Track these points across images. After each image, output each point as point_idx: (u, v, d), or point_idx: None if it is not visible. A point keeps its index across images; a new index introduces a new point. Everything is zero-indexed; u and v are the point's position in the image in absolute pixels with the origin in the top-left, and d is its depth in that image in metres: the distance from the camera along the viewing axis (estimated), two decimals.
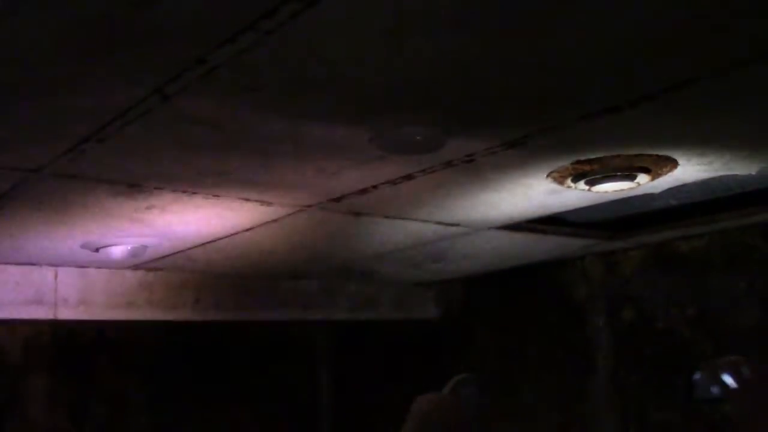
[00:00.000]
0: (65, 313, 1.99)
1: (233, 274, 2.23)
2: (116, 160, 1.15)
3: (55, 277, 1.99)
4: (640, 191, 1.44)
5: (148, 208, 1.44)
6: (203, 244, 1.77)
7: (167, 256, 1.90)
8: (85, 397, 2.59)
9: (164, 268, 2.10)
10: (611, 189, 1.36)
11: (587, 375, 2.27)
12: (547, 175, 1.33)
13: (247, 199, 1.42)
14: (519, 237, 1.82)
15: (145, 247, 1.71)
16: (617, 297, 2.18)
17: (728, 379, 1.51)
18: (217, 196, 1.40)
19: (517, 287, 2.45)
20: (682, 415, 1.99)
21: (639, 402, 2.14)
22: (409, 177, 1.32)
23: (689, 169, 1.36)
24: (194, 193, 1.37)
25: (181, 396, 2.76)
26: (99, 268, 2.05)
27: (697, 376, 1.54)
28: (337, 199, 1.45)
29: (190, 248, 1.82)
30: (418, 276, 2.42)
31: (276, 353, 3.00)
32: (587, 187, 1.34)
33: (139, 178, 1.25)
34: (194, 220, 1.57)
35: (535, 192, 1.44)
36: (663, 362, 2.07)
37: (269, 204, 1.46)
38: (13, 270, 1.94)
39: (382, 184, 1.36)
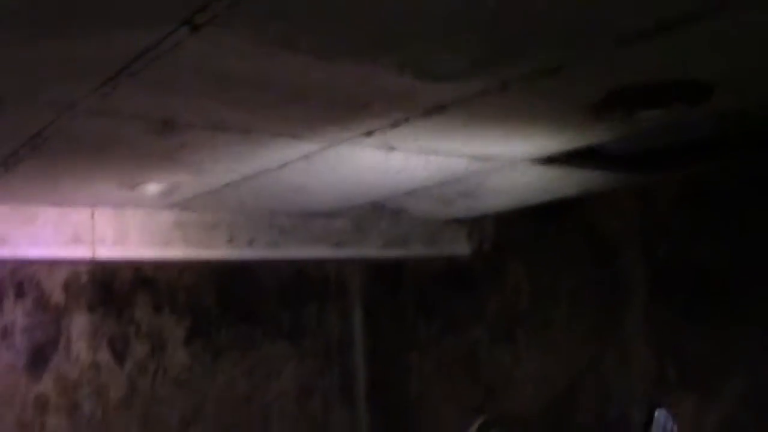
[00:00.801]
0: (103, 252, 2.02)
1: (266, 212, 2.25)
2: (147, 95, 1.15)
3: (92, 217, 2.02)
4: (676, 121, 1.41)
5: (181, 145, 1.45)
6: (235, 182, 1.78)
7: (200, 195, 1.92)
8: (125, 334, 2.65)
9: (198, 207, 2.12)
10: (647, 118, 1.33)
11: (621, 310, 2.27)
12: (582, 105, 1.31)
13: (278, 134, 1.42)
14: (552, 171, 1.80)
15: (178, 186, 1.73)
16: (652, 231, 2.16)
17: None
18: (248, 131, 1.40)
19: (550, 223, 2.43)
20: (718, 347, 1.98)
21: (674, 336, 2.14)
22: (441, 108, 1.30)
23: (726, 99, 1.33)
24: (225, 129, 1.38)
25: (217, 333, 2.81)
26: (134, 208, 2.08)
27: (657, 413, 1.55)
28: (368, 134, 1.44)
29: (222, 187, 1.83)
30: (449, 213, 2.42)
31: (309, 291, 3.04)
32: (623, 117, 1.32)
33: (170, 114, 1.25)
34: (226, 158, 1.57)
35: (570, 122, 1.42)
36: (698, 296, 2.06)
37: (300, 139, 1.46)
38: (51, 211, 1.97)
39: (414, 116, 1.34)
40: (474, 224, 2.66)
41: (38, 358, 2.49)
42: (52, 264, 2.50)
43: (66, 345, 2.54)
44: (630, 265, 2.21)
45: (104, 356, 2.61)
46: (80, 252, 1.98)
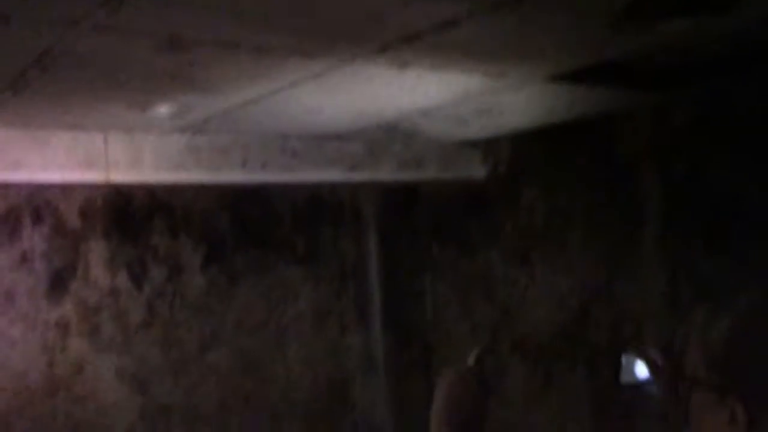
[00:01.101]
0: (117, 176, 2.03)
1: (279, 136, 2.23)
2: (153, 9, 1.13)
3: (105, 141, 2.02)
4: (698, 34, 1.37)
5: (190, 64, 1.43)
6: (247, 103, 1.76)
7: (212, 117, 1.90)
8: (142, 259, 2.68)
9: (211, 130, 2.11)
10: (669, 30, 1.29)
11: (636, 230, 2.26)
12: (602, 16, 1.27)
13: (289, 52, 1.39)
14: (568, 89, 1.77)
15: (189, 107, 1.71)
16: (668, 151, 2.14)
17: (644, 367, 1.50)
18: (258, 49, 1.37)
19: (565, 144, 2.41)
20: (731, 266, 1.98)
21: (689, 255, 2.13)
22: (454, 23, 1.27)
23: (752, 8, 1.28)
24: (236, 46, 1.35)
25: (232, 257, 2.84)
26: (147, 132, 2.07)
27: (623, 360, 1.53)
28: (381, 51, 1.41)
29: (234, 108, 1.81)
30: (464, 134, 2.39)
31: (324, 215, 3.05)
32: (644, 29, 1.28)
33: (177, 29, 1.23)
34: (237, 77, 1.55)
35: (588, 36, 1.39)
36: (715, 214, 2.04)
37: (311, 57, 1.43)
38: (64, 135, 1.97)
39: (427, 31, 1.31)
40: (489, 146, 2.63)
41: (58, 283, 2.53)
42: (67, 189, 2.51)
43: (84, 270, 2.58)
44: (645, 186, 2.19)
45: (122, 281, 2.65)
46: (94, 176, 1.98)
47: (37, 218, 2.51)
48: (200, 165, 2.16)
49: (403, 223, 3.06)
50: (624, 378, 1.51)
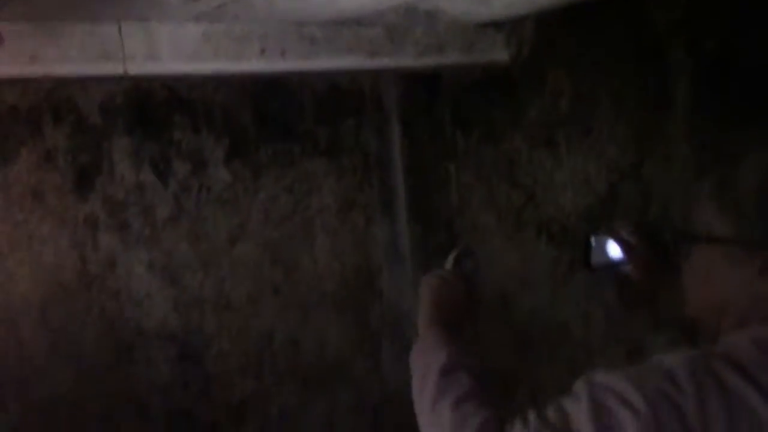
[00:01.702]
0: (134, 68, 1.99)
1: (297, 22, 2.18)
2: None
3: (119, 31, 1.98)
4: None
5: None
6: None
7: (227, 2, 1.85)
8: (165, 155, 2.68)
9: (227, 18, 2.06)
10: None
11: (664, 110, 2.20)
12: None
13: None
14: None
15: None
16: (701, 28, 2.05)
17: (617, 246, 1.45)
18: None
19: (592, 23, 2.32)
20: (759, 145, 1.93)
21: (716, 137, 2.08)
22: None
23: None
24: None
25: (255, 151, 2.83)
26: (161, 22, 2.02)
27: (593, 241, 1.47)
28: None
29: None
30: (487, 14, 2.31)
31: (345, 106, 3.01)
32: None
33: None
34: None
35: None
36: (747, 94, 1.98)
37: None
38: (77, 27, 1.93)
39: None
40: (513, 28, 2.55)
41: (83, 181, 2.55)
42: (86, 85, 2.49)
43: (109, 167, 2.59)
44: (675, 64, 2.12)
45: (147, 177, 2.66)
46: (111, 68, 1.95)
47: (58, 116, 2.50)
48: (218, 55, 2.11)
49: (425, 112, 3.02)
50: (594, 260, 1.49)
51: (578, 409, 0.94)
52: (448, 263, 1.56)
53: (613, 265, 1.51)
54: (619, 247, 1.48)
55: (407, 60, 2.45)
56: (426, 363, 1.21)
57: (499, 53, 2.60)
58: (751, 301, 1.02)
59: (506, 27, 2.56)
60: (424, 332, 1.33)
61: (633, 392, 0.91)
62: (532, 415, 0.98)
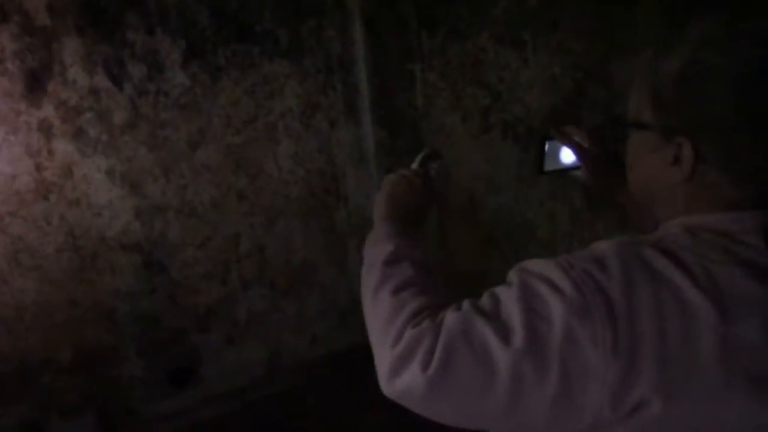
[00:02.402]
0: None
1: None
2: None
3: None
4: None
5: None
6: None
7: None
8: (119, 57, 2.57)
9: None
10: None
11: (631, 5, 2.16)
12: None
13: None
14: None
15: None
16: None
17: (569, 150, 1.44)
18: None
19: None
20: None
21: (684, 21, 2.04)
22: None
23: None
24: None
25: (214, 53, 2.73)
26: None
27: (546, 146, 1.46)
28: None
29: None
30: None
31: (306, 5, 2.90)
32: None
33: None
34: None
35: None
36: None
37: None
38: None
39: None
40: None
41: (35, 84, 2.44)
42: None
43: (61, 70, 2.48)
44: None
45: (101, 81, 2.56)
46: None
47: (4, 17, 2.37)
48: None
49: (389, 11, 2.93)
50: (548, 165, 1.49)
51: (508, 296, 0.94)
52: (415, 164, 1.55)
53: (565, 169, 1.51)
54: (572, 152, 1.47)
55: None
56: (374, 253, 1.20)
57: None
58: (675, 191, 1.02)
59: None
60: (377, 224, 1.31)
61: (562, 277, 0.91)
62: (466, 303, 0.98)
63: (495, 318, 0.92)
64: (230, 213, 2.86)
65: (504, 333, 0.90)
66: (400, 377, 0.93)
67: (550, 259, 0.96)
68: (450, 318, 0.95)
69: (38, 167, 2.48)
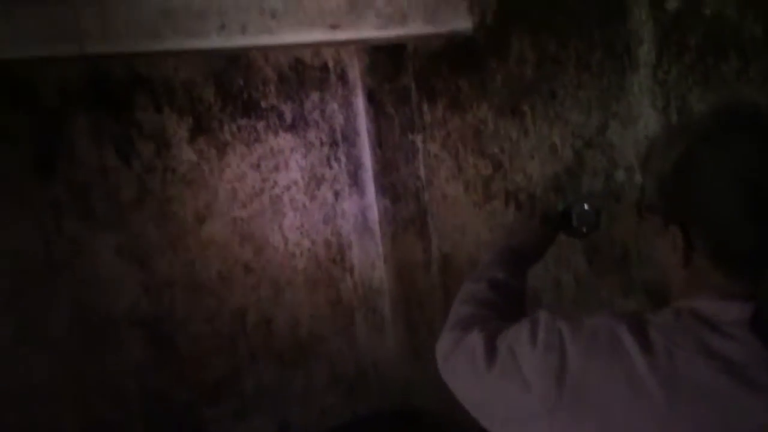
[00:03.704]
0: (91, 48, 1.95)
1: None
2: None
3: (74, 11, 1.93)
4: None
5: None
6: None
7: None
8: (128, 136, 2.63)
9: None
10: None
11: (627, 73, 2.21)
12: None
13: None
14: None
15: None
16: None
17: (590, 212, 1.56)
18: None
19: None
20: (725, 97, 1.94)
21: (682, 95, 2.09)
22: None
23: None
24: None
25: (220, 128, 2.80)
26: None
27: (575, 209, 1.57)
28: None
29: None
30: None
31: (309, 80, 2.98)
32: None
33: None
34: None
35: None
36: (709, 50, 1.99)
37: None
38: (30, 6, 1.87)
39: None
40: None
41: (45, 163, 2.50)
42: (43, 66, 2.43)
43: (71, 149, 2.54)
44: (638, 24, 2.12)
45: (110, 159, 2.61)
46: (67, 48, 1.91)
47: (15, 98, 2.44)
48: (176, 31, 2.07)
49: (390, 84, 3.00)
50: (570, 227, 1.59)
51: (509, 332, 1.14)
52: (559, 206, 1.72)
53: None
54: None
55: (370, 31, 2.43)
56: (474, 271, 1.46)
57: (463, 22, 2.58)
58: (678, 275, 1.08)
59: None
60: (491, 250, 1.55)
61: (542, 330, 1.07)
62: (486, 330, 1.20)
63: (492, 348, 1.14)
64: (237, 286, 2.88)
65: (492, 357, 1.13)
66: (437, 356, 1.28)
67: (553, 313, 1.11)
68: (471, 335, 1.20)
69: (48, 244, 2.51)
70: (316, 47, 2.90)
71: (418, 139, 2.95)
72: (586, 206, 1.67)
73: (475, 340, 1.19)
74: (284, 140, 2.94)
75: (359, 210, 3.16)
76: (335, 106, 3.06)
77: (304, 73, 2.96)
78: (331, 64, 3.03)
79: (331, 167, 3.07)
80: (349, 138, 3.10)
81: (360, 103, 3.11)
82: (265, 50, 2.76)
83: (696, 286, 1.04)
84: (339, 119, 3.07)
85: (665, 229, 1.06)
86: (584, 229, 1.69)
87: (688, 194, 1.02)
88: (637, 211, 1.49)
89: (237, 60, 2.79)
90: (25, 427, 2.48)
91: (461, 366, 1.20)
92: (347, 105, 3.09)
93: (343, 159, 3.09)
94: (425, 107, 2.88)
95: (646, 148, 2.00)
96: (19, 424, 2.47)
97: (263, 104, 2.88)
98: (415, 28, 2.51)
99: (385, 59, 2.99)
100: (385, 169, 3.11)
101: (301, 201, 3.01)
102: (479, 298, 1.36)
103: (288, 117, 2.94)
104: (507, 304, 1.37)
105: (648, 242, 1.17)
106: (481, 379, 1.13)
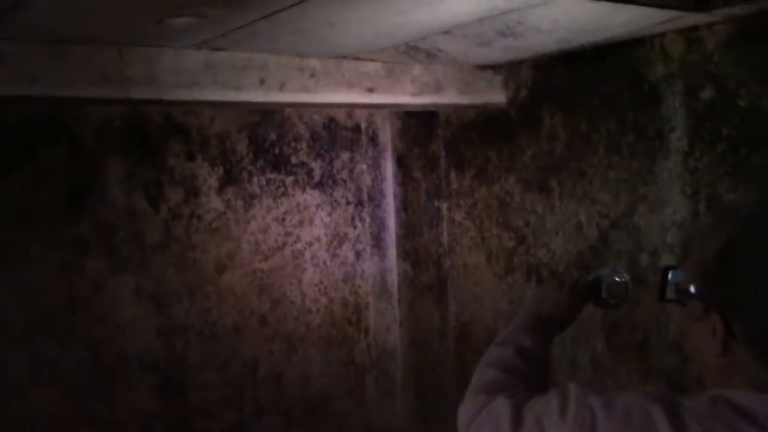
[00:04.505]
0: (133, 93, 2.00)
1: (296, 53, 2.19)
2: None
3: (120, 56, 1.98)
4: None
5: None
6: (265, 17, 1.72)
7: (231, 32, 1.86)
8: (158, 181, 2.67)
9: (228, 47, 2.07)
10: None
11: (658, 158, 2.22)
12: None
13: None
14: (597, 6, 1.71)
15: (204, 18, 1.67)
16: (697, 75, 2.08)
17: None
18: None
19: (589, 69, 2.35)
20: (759, 193, 1.95)
21: (711, 184, 2.10)
22: None
23: None
24: None
25: (249, 180, 2.83)
26: (163, 47, 2.03)
27: (670, 276, 1.55)
28: None
29: (252, 23, 1.77)
30: (486, 56, 2.34)
31: (340, 140, 3.02)
32: None
33: None
34: None
35: None
36: (741, 141, 2.00)
37: None
38: (78, 49, 1.93)
39: None
40: (511, 70, 2.58)
41: (75, 201, 2.53)
42: (84, 108, 2.49)
43: (101, 189, 2.58)
44: (672, 111, 2.15)
45: (139, 202, 2.65)
46: (111, 91, 1.96)
47: (54, 137, 2.50)
48: (217, 83, 2.12)
49: (420, 149, 3.03)
50: (669, 294, 1.54)
51: (537, 401, 1.16)
52: (590, 277, 1.69)
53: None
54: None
55: (404, 97, 2.48)
56: (499, 335, 1.49)
57: (497, 95, 2.62)
58: (714, 363, 1.07)
59: (504, 69, 2.59)
60: (518, 314, 1.57)
61: (572, 407, 1.07)
62: (514, 398, 1.20)
63: (518, 417, 1.15)
64: (251, 338, 2.87)
65: (518, 426, 1.14)
66: (458, 419, 1.30)
67: (583, 386, 1.11)
68: (497, 402, 1.22)
69: (69, 282, 2.53)
70: (351, 108, 2.95)
71: (444, 206, 2.96)
72: (616, 278, 1.66)
73: (501, 406, 1.19)
74: (311, 196, 2.97)
75: (379, 272, 3.16)
76: (364, 166, 3.09)
77: (336, 133, 3.00)
78: (363, 125, 3.07)
79: (354, 227, 3.08)
80: (375, 199, 3.12)
81: (388, 165, 3.14)
82: (300, 107, 2.81)
83: (732, 376, 1.03)
84: (366, 180, 3.10)
85: (704, 315, 1.06)
86: (613, 301, 1.67)
87: (731, 282, 1.02)
88: (659, 296, 1.49)
89: (272, 115, 2.84)
90: None
91: (485, 431, 1.21)
92: (376, 166, 3.12)
93: (367, 219, 3.11)
94: (453, 175, 2.91)
95: (689, 234, 2.00)
96: None
97: (293, 160, 2.92)
98: (449, 97, 2.55)
99: (417, 125, 3.03)
100: (408, 233, 3.12)
101: (323, 258, 3.01)
102: (506, 363, 1.37)
103: (317, 174, 2.97)
104: (532, 373, 1.37)
105: (678, 328, 1.16)
106: None
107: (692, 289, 1.09)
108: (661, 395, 1.05)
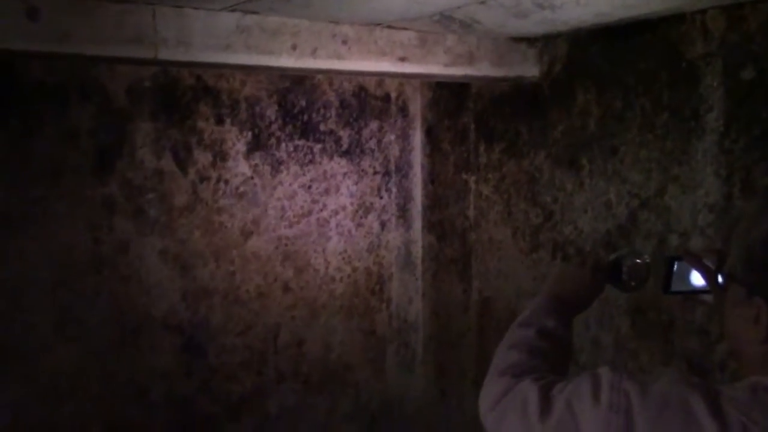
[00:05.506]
0: (165, 54, 1.99)
1: (329, 19, 2.17)
2: None
3: (153, 16, 1.97)
4: None
5: None
6: None
7: None
8: (187, 143, 2.67)
9: (261, 11, 2.05)
10: None
11: (693, 138, 2.18)
12: None
13: None
14: None
15: None
16: (738, 55, 2.03)
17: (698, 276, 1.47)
18: None
19: (626, 44, 2.30)
20: None
21: (747, 167, 2.06)
22: None
23: None
24: None
25: (277, 146, 2.82)
26: (196, 9, 2.02)
27: (674, 267, 1.49)
28: None
29: None
30: (521, 28, 2.30)
31: (370, 109, 3.00)
32: None
33: None
34: None
35: None
36: None
37: None
38: (111, 8, 1.92)
39: None
40: (546, 44, 2.54)
41: (104, 162, 2.54)
42: (115, 67, 2.49)
43: (130, 151, 2.58)
44: (709, 90, 2.10)
45: (167, 164, 2.65)
46: (142, 51, 1.95)
47: (84, 95, 2.50)
48: (249, 47, 2.11)
49: (450, 121, 3.00)
50: (674, 286, 1.49)
51: (566, 384, 1.14)
52: (611, 257, 1.65)
53: (694, 291, 1.53)
54: (702, 276, 1.50)
55: (437, 67, 2.44)
56: (520, 316, 1.45)
57: (530, 68, 2.58)
58: (754, 349, 1.06)
59: (539, 43, 2.55)
60: (538, 295, 1.53)
61: (606, 390, 1.05)
62: (542, 381, 1.19)
63: (547, 400, 1.13)
64: (273, 304, 2.88)
65: (547, 410, 1.12)
66: (481, 401, 1.28)
67: (616, 370, 1.10)
68: (523, 384, 1.20)
69: (96, 241, 2.55)
70: (381, 77, 2.92)
71: (471, 179, 2.94)
72: (638, 260, 1.63)
73: (528, 390, 1.18)
74: (338, 165, 2.96)
75: (403, 243, 3.15)
76: (392, 137, 3.07)
77: (366, 102, 2.98)
78: (393, 95, 3.04)
79: (381, 197, 3.07)
80: (402, 170, 3.11)
81: (417, 136, 3.12)
82: (331, 74, 2.79)
83: None
84: (395, 150, 3.08)
85: (747, 300, 1.04)
86: (633, 284, 1.64)
87: None
88: (664, 289, 1.47)
89: (302, 81, 2.83)
90: (45, 418, 2.50)
91: (510, 415, 1.18)
92: (404, 137, 3.10)
93: (393, 190, 3.10)
94: (482, 148, 2.88)
95: (735, 218, 1.96)
96: (39, 415, 2.49)
97: (322, 127, 2.90)
98: (481, 69, 2.51)
99: (448, 96, 3.00)
100: (434, 205, 3.10)
101: (348, 227, 3.01)
102: (529, 345, 1.35)
103: (345, 142, 2.96)
104: (555, 355, 1.35)
105: (705, 312, 1.14)
106: (531, 430, 1.12)
107: (738, 272, 1.07)
108: (698, 382, 1.03)
